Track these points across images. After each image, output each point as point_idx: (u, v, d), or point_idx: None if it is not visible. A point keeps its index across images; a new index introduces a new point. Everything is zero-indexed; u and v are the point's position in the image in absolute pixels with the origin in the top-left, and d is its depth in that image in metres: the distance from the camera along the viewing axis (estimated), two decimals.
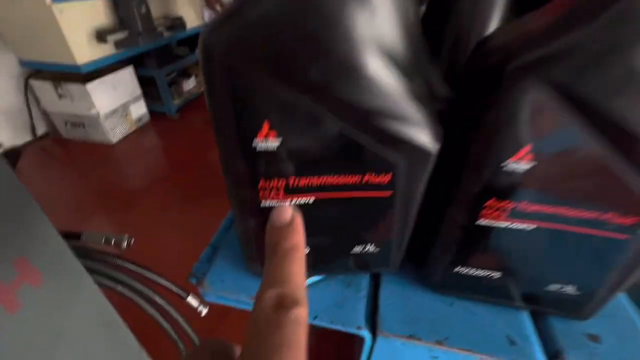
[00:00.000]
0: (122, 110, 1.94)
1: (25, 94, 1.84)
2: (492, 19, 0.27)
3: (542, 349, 0.25)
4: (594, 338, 0.26)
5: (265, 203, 0.23)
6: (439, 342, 0.25)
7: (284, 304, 0.13)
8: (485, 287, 0.26)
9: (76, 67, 1.59)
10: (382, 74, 0.17)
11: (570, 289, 0.24)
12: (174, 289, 0.66)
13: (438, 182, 0.23)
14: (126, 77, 1.93)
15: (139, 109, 2.07)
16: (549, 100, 0.17)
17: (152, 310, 0.62)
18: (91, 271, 0.55)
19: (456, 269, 0.26)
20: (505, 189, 0.20)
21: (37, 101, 1.89)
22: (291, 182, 0.21)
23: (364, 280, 0.30)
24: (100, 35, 1.61)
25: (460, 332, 0.26)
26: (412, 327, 0.26)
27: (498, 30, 0.21)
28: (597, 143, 0.17)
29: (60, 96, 1.79)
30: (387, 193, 0.22)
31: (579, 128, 0.17)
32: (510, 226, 0.22)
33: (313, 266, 0.27)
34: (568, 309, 0.26)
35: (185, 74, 2.32)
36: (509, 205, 0.21)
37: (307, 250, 0.26)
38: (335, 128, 0.18)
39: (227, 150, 0.20)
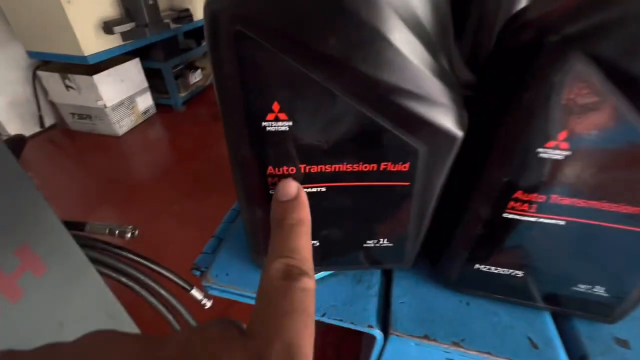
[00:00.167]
0: (129, 102, 1.94)
1: (33, 85, 1.84)
2: None
3: (566, 354, 0.24)
4: (623, 343, 0.24)
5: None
6: (456, 344, 0.24)
7: (292, 274, 0.14)
8: (506, 286, 0.25)
9: (83, 58, 1.59)
10: (407, 48, 0.15)
11: (599, 290, 0.23)
12: (179, 281, 0.65)
13: (460, 173, 0.21)
14: (133, 69, 1.93)
15: (146, 102, 2.07)
16: (593, 79, 0.15)
17: (155, 302, 0.61)
18: (95, 262, 0.55)
19: (476, 266, 0.24)
20: (536, 180, 0.19)
21: (45, 92, 1.90)
22: (302, 169, 0.20)
23: (375, 277, 0.29)
24: (107, 27, 1.60)
25: (479, 333, 0.24)
26: (426, 326, 0.25)
27: (534, 1, 0.19)
28: None
29: (67, 87, 1.80)
30: (405, 183, 0.21)
31: (625, 111, 0.16)
32: (539, 221, 0.20)
33: (322, 260, 0.26)
34: (596, 312, 0.24)
35: (192, 66, 2.30)
36: (539, 198, 0.19)
37: (316, 243, 0.24)
38: (351, 109, 0.17)
39: (235, 133, 0.19)
